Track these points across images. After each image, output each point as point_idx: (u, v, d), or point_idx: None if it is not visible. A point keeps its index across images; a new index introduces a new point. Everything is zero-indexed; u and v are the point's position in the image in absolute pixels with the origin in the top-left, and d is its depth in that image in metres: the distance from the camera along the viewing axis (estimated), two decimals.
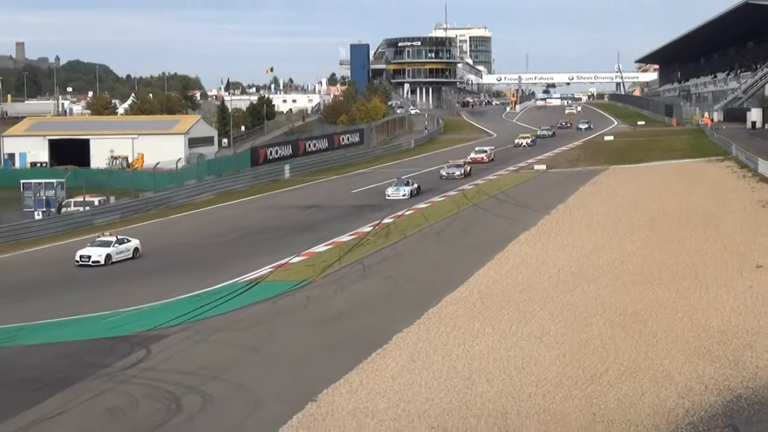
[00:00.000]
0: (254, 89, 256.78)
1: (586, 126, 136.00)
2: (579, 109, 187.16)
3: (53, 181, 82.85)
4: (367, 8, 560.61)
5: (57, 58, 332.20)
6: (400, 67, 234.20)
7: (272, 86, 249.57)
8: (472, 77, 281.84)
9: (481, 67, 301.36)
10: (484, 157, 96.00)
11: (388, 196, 73.03)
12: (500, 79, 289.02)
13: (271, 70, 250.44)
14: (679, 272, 41.21)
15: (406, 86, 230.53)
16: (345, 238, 56.45)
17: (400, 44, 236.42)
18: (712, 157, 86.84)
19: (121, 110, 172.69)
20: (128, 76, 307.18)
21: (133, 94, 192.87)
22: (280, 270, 48.47)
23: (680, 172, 78.74)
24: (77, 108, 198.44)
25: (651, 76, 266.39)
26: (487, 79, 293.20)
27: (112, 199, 78.92)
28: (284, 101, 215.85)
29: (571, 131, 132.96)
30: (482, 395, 26.80)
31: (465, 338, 32.67)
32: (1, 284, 50.52)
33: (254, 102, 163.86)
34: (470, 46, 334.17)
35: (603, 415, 24.90)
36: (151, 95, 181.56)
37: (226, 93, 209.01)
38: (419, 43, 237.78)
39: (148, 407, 27.69)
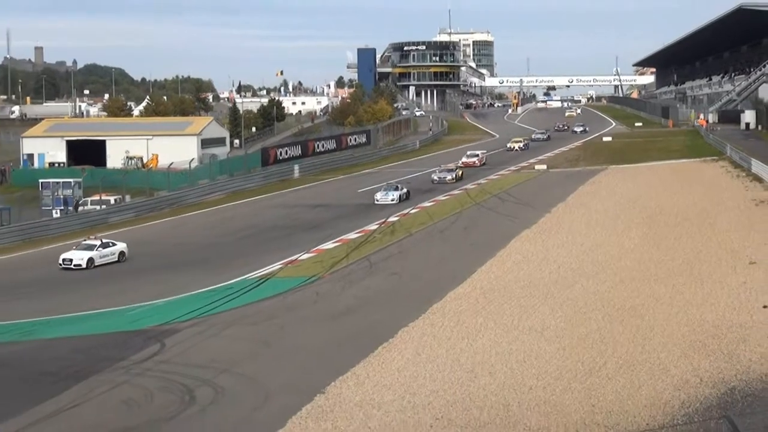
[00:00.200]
0: (265, 92, 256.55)
1: (581, 129, 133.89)
2: (579, 111, 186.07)
3: (71, 180, 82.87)
4: (374, 14, 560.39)
5: (74, 62, 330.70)
6: (405, 71, 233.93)
7: (282, 89, 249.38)
8: (475, 80, 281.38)
9: (483, 71, 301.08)
10: (476, 161, 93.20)
11: (377, 201, 70.51)
12: (502, 82, 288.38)
13: (281, 73, 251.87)
14: (675, 268, 41.19)
15: (412, 89, 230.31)
16: (352, 235, 56.46)
17: (405, 48, 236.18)
18: (707, 158, 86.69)
19: (136, 112, 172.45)
20: (143, 79, 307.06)
21: (147, 97, 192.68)
22: (290, 266, 48.49)
23: (676, 172, 78.64)
24: (94, 110, 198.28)
25: (648, 79, 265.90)
26: (490, 82, 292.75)
27: (128, 198, 78.97)
28: (294, 103, 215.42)
29: (567, 134, 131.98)
30: (485, 387, 26.82)
31: (468, 332, 32.70)
32: (20, 281, 50.62)
33: (265, 104, 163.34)
34: (473, 50, 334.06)
35: (602, 406, 24.91)
36: (165, 98, 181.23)
37: (238, 95, 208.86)
38: (424, 47, 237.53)
39: (163, 399, 27.76)
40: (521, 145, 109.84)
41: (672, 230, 50.84)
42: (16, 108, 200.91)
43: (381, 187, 73.69)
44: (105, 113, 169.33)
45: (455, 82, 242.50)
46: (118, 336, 36.27)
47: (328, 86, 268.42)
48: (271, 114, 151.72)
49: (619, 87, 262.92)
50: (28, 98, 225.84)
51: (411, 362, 29.65)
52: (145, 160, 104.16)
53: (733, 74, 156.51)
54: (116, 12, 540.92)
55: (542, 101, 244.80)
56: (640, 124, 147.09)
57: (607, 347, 29.98)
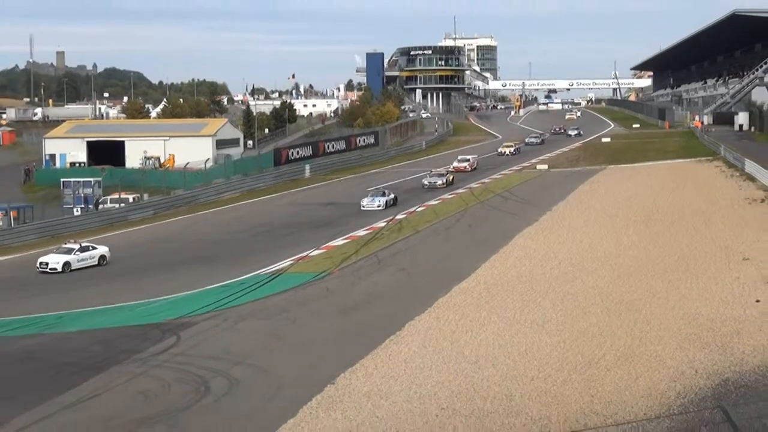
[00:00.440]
0: (277, 94, 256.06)
1: (576, 132, 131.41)
2: (579, 114, 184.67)
3: (91, 179, 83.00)
4: (382, 20, 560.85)
5: (94, 66, 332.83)
6: (412, 74, 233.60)
7: (294, 92, 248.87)
8: (479, 83, 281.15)
9: (487, 74, 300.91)
10: (467, 166, 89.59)
11: (363, 207, 67.30)
12: (505, 85, 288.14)
13: (293, 76, 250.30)
14: (671, 264, 41.12)
15: (418, 92, 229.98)
16: (361, 232, 56.47)
17: (412, 53, 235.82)
18: (702, 158, 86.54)
19: (153, 114, 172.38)
20: (160, 83, 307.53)
21: (164, 99, 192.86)
22: (301, 262, 48.50)
23: (673, 172, 78.49)
24: (113, 112, 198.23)
25: (645, 82, 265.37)
26: (493, 85, 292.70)
27: (146, 196, 79.10)
28: (305, 106, 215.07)
29: (562, 137, 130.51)
30: (488, 378, 26.80)
31: (472, 325, 32.67)
32: (42, 276, 50.71)
33: (277, 106, 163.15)
34: (477, 54, 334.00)
35: (600, 396, 24.88)
36: (181, 100, 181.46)
37: (251, 98, 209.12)
38: (430, 52, 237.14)
39: (179, 390, 27.76)
40: (512, 149, 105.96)
41: (668, 228, 50.77)
42: (38, 110, 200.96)
43: (368, 193, 71.10)
44: (124, 115, 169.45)
45: (460, 86, 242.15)
46: (137, 329, 36.30)
47: (338, 89, 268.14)
48: (283, 116, 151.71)
49: (618, 90, 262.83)
50: (50, 101, 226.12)
51: (417, 354, 29.63)
52: (162, 160, 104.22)
53: (727, 78, 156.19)
54: (135, 18, 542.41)
55: (544, 104, 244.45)
56: (638, 125, 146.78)
57: (606, 340, 29.94)
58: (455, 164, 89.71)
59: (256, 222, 66.33)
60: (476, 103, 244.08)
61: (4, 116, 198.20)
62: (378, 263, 46.69)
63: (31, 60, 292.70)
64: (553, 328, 31.81)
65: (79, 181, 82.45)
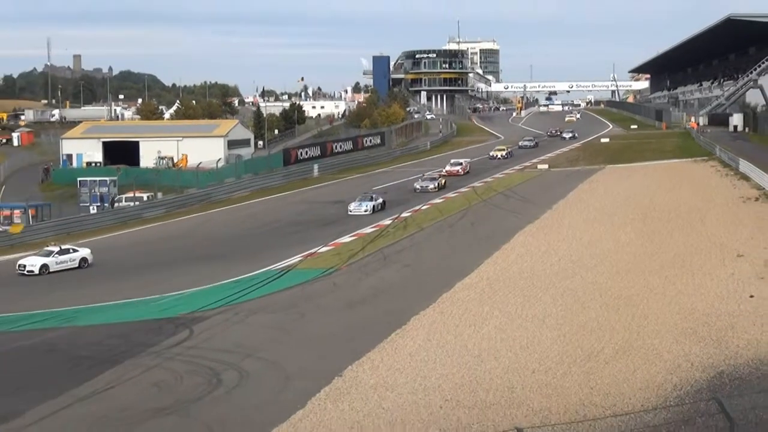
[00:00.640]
0: (286, 96, 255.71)
1: (570, 135, 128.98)
2: (578, 116, 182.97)
3: (107, 178, 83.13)
4: (388, 24, 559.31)
5: (110, 69, 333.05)
6: (417, 77, 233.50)
7: (303, 94, 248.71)
8: (482, 85, 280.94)
9: (490, 77, 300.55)
10: (460, 170, 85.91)
11: (350, 211, 64.65)
12: (507, 87, 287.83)
13: (302, 79, 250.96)
14: (667, 261, 41.09)
15: (423, 94, 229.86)
16: (368, 230, 56.46)
17: (417, 56, 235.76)
18: (697, 158, 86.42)
19: (167, 115, 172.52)
20: (174, 85, 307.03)
21: (178, 101, 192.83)
22: (310, 258, 48.52)
23: (669, 171, 78.40)
24: (128, 113, 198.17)
25: (643, 84, 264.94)
26: (496, 87, 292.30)
27: (160, 195, 79.20)
28: (313, 107, 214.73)
29: (557, 140, 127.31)
30: (491, 371, 26.81)
31: (475, 320, 32.68)
32: (60, 271, 50.80)
33: (287, 108, 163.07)
34: (480, 57, 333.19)
35: (599, 389, 24.88)
36: (194, 102, 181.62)
37: (262, 100, 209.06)
38: (434, 55, 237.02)
39: (191, 382, 27.80)
40: (504, 153, 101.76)
41: (665, 225, 50.71)
42: (56, 112, 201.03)
43: (356, 197, 67.96)
44: (138, 116, 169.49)
45: (463, 88, 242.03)
46: (151, 323, 36.34)
47: (346, 91, 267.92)
48: (293, 117, 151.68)
49: (616, 92, 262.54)
50: (67, 103, 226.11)
51: (422, 348, 29.64)
52: (175, 160, 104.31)
53: (722, 80, 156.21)
54: (149, 22, 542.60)
55: (544, 105, 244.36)
56: (636, 126, 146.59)
57: (605, 334, 29.93)
58: (448, 168, 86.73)
59: (266, 220, 66.36)
60: (479, 105, 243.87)
61: (22, 117, 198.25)
62: (384, 260, 46.69)
63: (48, 63, 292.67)
64: (554, 322, 31.80)
65: (95, 180, 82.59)
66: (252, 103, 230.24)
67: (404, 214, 61.70)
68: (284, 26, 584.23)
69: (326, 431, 23.17)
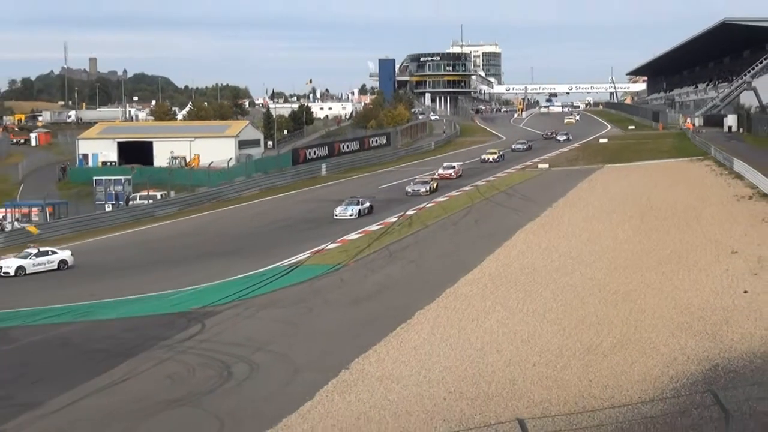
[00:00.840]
0: (295, 98, 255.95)
1: (565, 138, 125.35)
2: (578, 118, 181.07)
3: (121, 177, 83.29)
4: (394, 28, 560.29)
5: (125, 72, 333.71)
6: (421, 79, 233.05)
7: (311, 95, 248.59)
8: (485, 87, 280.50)
9: (492, 79, 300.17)
10: (452, 173, 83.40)
11: (336, 215, 62.71)
12: (509, 89, 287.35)
13: (310, 81, 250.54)
14: (664, 257, 41.05)
15: (427, 95, 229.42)
16: (373, 227, 56.47)
17: (422, 59, 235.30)
18: (693, 158, 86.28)
19: (180, 116, 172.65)
20: (186, 87, 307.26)
21: (190, 103, 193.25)
22: (318, 255, 48.55)
23: (666, 171, 78.28)
24: (142, 114, 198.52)
25: (640, 86, 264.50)
26: (498, 89, 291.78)
27: (172, 193, 79.32)
28: (321, 108, 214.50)
29: (552, 142, 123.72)
30: (493, 364, 26.80)
31: (478, 314, 32.67)
32: (79, 267, 50.88)
33: (295, 109, 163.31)
34: (483, 60, 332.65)
35: (598, 381, 24.86)
36: (206, 103, 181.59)
37: (271, 101, 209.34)
38: (438, 58, 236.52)
39: (203, 374, 27.84)
40: (495, 156, 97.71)
41: (661, 223, 50.65)
42: (72, 113, 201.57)
43: (343, 201, 65.70)
44: (152, 117, 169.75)
45: (466, 90, 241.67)
46: (164, 317, 36.39)
47: (353, 93, 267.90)
48: (301, 118, 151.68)
49: (614, 93, 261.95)
50: (83, 104, 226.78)
51: (426, 341, 29.64)
52: (187, 160, 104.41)
53: (717, 82, 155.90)
54: (163, 26, 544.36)
55: (545, 106, 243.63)
56: (633, 127, 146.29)
57: (603, 328, 29.91)
58: (440, 171, 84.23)
59: (275, 217, 66.38)
60: (481, 106, 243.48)
61: (40, 118, 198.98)
62: (389, 256, 46.70)
63: (65, 66, 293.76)
64: (554, 317, 31.79)
65: (110, 179, 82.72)
66: (262, 104, 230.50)
67: (409, 212, 61.70)
68: (293, 30, 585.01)
69: (334, 422, 23.17)
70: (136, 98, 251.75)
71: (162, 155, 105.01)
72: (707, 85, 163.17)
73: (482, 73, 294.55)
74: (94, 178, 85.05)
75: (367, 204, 64.46)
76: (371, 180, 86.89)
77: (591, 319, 31.10)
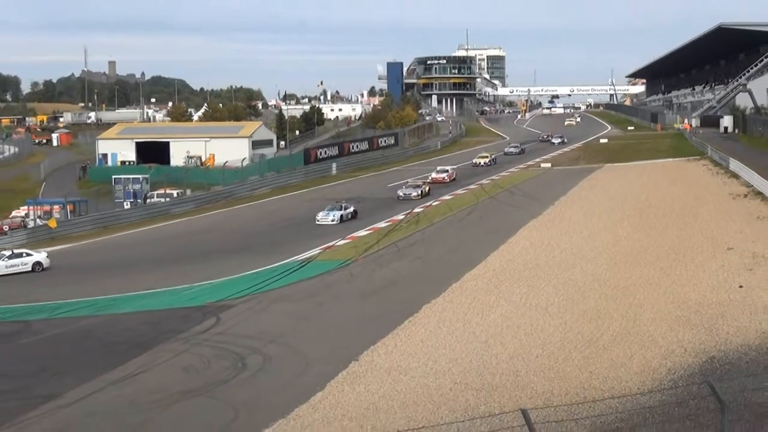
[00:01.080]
0: (307, 100, 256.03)
1: (560, 140, 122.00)
2: (578, 120, 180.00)
3: (139, 176, 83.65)
4: (402, 32, 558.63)
5: (142, 74, 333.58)
6: (428, 81, 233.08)
7: (322, 97, 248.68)
8: (489, 90, 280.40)
9: (496, 81, 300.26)
10: (446, 177, 79.80)
11: (318, 221, 59.95)
12: (512, 91, 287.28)
13: (321, 83, 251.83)
14: (662, 254, 40.95)
15: (434, 97, 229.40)
16: (382, 224, 56.46)
17: (428, 62, 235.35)
18: (690, 157, 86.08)
19: (195, 118, 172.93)
20: (202, 89, 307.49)
21: (205, 104, 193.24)
22: (328, 251, 48.57)
23: (664, 170, 78.13)
24: (159, 116, 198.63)
25: (639, 88, 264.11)
26: (502, 91, 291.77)
27: (188, 191, 79.49)
28: (332, 110, 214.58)
29: (547, 145, 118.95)
30: (497, 356, 26.77)
31: (482, 308, 32.63)
32: (99, 262, 51.01)
33: (307, 110, 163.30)
34: (487, 63, 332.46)
35: (598, 373, 24.82)
36: (220, 105, 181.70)
37: (284, 103, 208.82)
38: (445, 61, 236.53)
39: (218, 366, 27.85)
40: (487, 160, 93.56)
41: (660, 220, 50.55)
42: (92, 114, 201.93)
43: (325, 206, 63.22)
44: (169, 118, 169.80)
45: (472, 92, 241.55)
46: (180, 311, 36.46)
47: (362, 95, 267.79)
48: (312, 119, 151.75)
49: (614, 95, 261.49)
50: (103, 106, 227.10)
51: (433, 334, 29.62)
52: (203, 159, 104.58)
53: (713, 84, 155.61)
54: (180, 31, 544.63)
55: (547, 108, 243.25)
56: (633, 128, 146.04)
57: (603, 322, 29.85)
58: (434, 175, 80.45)
59: (287, 215, 66.42)
60: (486, 108, 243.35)
61: (61, 120, 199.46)
62: (397, 252, 46.68)
63: (85, 69, 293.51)
64: (556, 310, 31.74)
65: (128, 178, 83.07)
66: (275, 106, 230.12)
67: (416, 210, 61.68)
68: (305, 34, 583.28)
69: (344, 412, 23.17)
70: (153, 100, 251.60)
71: (178, 155, 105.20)
72: (704, 87, 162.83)
73: (487, 76, 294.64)
74: (113, 176, 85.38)
75: (351, 209, 61.91)
76: (379, 179, 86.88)
77: (591, 313, 31.05)
